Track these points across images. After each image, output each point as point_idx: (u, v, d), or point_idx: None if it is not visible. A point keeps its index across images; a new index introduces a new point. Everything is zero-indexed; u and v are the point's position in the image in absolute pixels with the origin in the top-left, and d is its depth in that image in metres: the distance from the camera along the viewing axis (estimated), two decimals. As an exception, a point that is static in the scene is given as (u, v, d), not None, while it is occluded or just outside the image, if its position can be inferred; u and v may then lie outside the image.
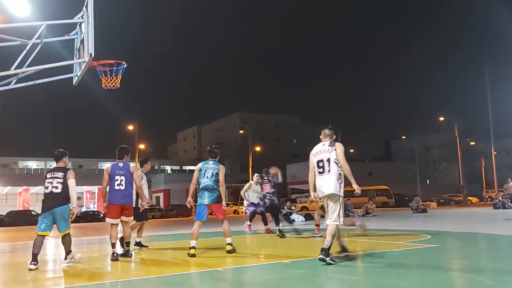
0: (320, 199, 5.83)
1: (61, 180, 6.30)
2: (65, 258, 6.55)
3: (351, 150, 58.73)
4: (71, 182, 6.34)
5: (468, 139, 57.07)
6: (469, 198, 42.85)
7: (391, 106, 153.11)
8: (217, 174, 7.14)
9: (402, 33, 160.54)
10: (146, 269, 6.06)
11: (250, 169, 47.67)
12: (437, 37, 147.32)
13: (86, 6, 9.04)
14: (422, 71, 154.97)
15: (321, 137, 6.00)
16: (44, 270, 6.55)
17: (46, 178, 6.40)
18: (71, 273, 5.96)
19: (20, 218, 34.94)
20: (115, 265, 6.35)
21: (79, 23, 9.37)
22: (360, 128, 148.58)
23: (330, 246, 5.45)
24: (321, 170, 5.72)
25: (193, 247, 6.83)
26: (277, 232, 10.40)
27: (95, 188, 53.26)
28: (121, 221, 6.96)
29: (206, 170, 7.19)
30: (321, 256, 5.32)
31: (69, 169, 6.52)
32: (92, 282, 4.95)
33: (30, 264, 6.02)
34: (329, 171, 5.66)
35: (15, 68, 8.64)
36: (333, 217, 5.62)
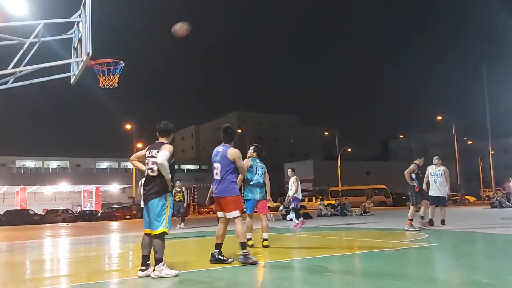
0: None
1: (155, 160, 4.78)
2: (153, 269, 4.78)
3: (349, 150, 58.83)
4: (162, 155, 4.70)
5: (465, 138, 57.19)
6: (467, 197, 42.90)
7: (389, 106, 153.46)
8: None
9: (400, 33, 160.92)
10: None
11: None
12: (434, 36, 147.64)
13: (84, 5, 9.05)
14: (419, 70, 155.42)
15: None
16: (44, 269, 6.55)
17: (145, 157, 5.01)
18: (71, 273, 5.95)
19: (17, 218, 34.97)
20: (124, 264, 6.33)
21: (76, 22, 9.38)
22: (358, 128, 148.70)
23: None
24: None
25: (249, 239, 7.39)
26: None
27: (92, 188, 53.20)
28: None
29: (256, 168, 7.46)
30: None
31: (163, 143, 4.95)
32: (91, 282, 4.94)
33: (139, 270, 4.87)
34: None
35: (13, 67, 8.64)
36: None
